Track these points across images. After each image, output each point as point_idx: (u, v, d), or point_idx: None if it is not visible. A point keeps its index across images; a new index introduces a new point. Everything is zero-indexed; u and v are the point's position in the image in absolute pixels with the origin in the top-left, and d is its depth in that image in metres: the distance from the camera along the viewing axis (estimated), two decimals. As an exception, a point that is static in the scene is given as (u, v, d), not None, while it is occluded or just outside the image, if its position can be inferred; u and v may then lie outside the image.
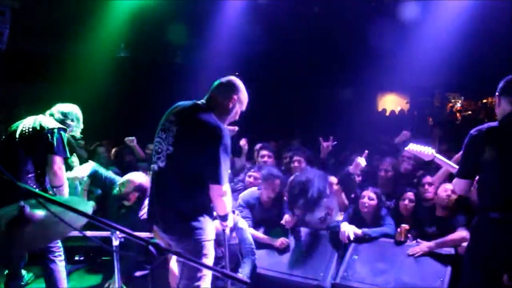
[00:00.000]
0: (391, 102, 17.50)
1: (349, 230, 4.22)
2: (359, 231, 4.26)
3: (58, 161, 3.86)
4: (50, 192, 4.00)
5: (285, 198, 4.73)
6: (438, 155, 3.63)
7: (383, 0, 9.79)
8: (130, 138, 6.45)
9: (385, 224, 4.35)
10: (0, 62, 6.37)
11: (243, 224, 4.34)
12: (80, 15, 8.27)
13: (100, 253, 5.37)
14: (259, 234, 4.58)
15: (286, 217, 4.49)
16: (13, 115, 6.55)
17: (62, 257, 4.01)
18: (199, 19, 9.64)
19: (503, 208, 2.82)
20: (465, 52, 9.86)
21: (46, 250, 3.90)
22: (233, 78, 3.10)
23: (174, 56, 12.15)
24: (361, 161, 4.43)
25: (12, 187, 1.48)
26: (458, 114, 15.21)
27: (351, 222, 4.41)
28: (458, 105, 17.62)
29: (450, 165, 3.56)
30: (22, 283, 4.44)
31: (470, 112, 15.42)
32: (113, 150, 6.62)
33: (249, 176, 5.22)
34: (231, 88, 3.05)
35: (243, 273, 4.10)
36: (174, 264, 3.59)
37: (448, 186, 4.18)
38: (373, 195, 4.43)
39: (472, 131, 2.94)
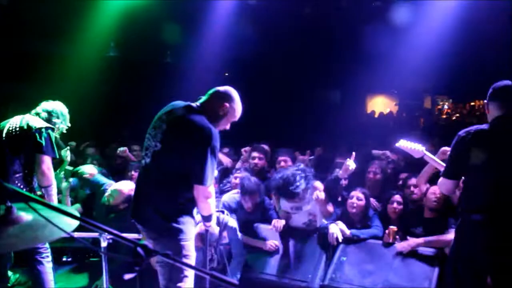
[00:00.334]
0: (380, 104, 17.61)
1: (337, 231, 4.22)
2: (347, 231, 4.25)
3: (47, 161, 3.82)
4: (38, 192, 3.96)
5: (270, 200, 4.70)
6: (427, 153, 3.65)
7: (373, 3, 9.85)
8: (122, 149, 6.46)
9: (373, 226, 4.36)
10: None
11: (234, 223, 4.27)
12: (69, 13, 8.21)
13: (88, 254, 5.33)
14: (247, 237, 4.51)
15: (275, 222, 4.45)
16: (0, 114, 6.47)
17: (50, 258, 3.96)
18: (189, 18, 9.64)
19: (485, 211, 2.84)
20: (454, 55, 9.98)
21: (33, 251, 3.85)
22: (230, 88, 3.13)
23: (164, 56, 12.13)
24: (351, 163, 4.29)
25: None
26: (445, 116, 15.36)
27: (338, 223, 4.40)
28: (446, 107, 17.79)
29: (439, 163, 3.58)
30: (9, 285, 4.38)
31: (458, 115, 15.58)
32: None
33: (235, 178, 5.17)
34: (225, 96, 3.07)
35: (233, 274, 4.07)
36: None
37: (437, 189, 4.20)
38: (361, 196, 4.42)
39: (460, 132, 2.97)
